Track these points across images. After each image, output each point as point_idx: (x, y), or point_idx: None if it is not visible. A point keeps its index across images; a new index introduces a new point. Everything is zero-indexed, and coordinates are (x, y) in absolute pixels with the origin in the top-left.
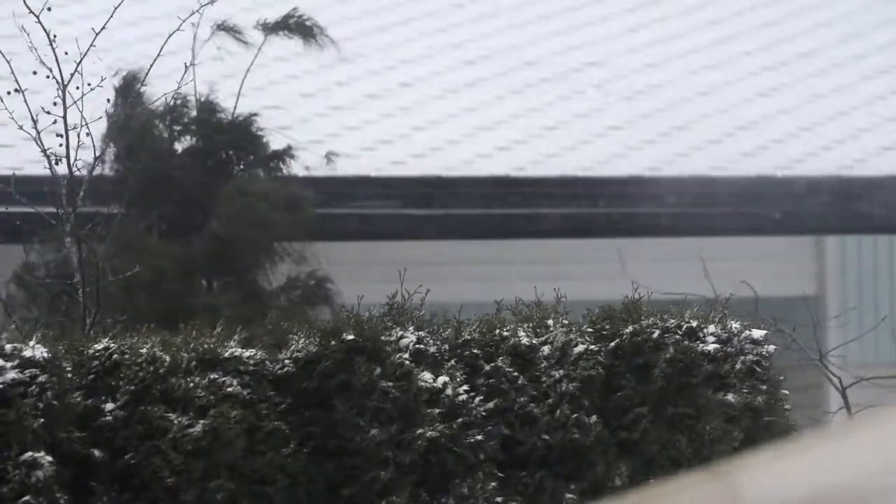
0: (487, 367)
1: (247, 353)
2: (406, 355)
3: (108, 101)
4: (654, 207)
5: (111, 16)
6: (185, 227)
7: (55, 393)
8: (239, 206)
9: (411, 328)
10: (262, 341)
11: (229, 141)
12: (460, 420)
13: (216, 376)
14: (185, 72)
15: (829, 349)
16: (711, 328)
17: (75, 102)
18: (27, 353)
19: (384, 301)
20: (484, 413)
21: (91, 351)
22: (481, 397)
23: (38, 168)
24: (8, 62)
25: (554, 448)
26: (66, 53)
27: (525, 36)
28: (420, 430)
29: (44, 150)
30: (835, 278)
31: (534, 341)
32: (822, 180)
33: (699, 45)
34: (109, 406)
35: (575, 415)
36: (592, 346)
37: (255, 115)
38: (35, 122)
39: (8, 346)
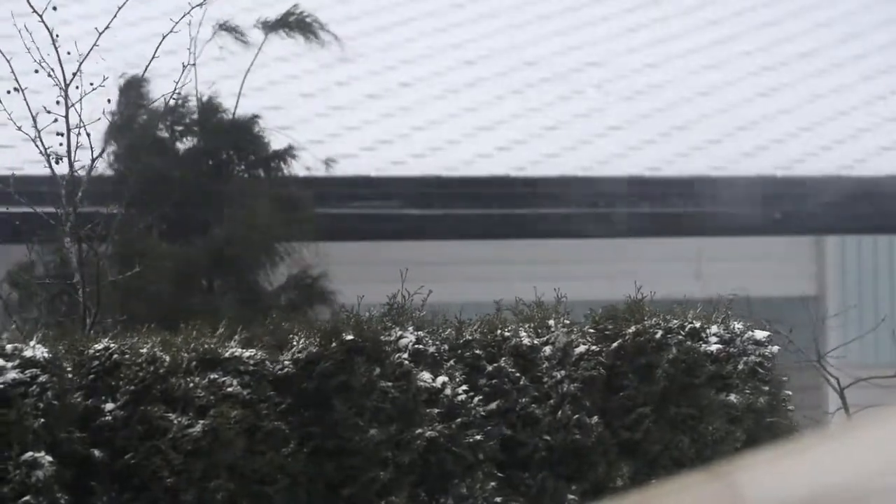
0: (490, 368)
1: (247, 354)
2: (405, 355)
3: (109, 101)
4: (653, 207)
5: (114, 16)
6: (185, 227)
7: (55, 393)
8: (239, 207)
9: (411, 328)
10: (262, 341)
11: (230, 141)
12: (459, 420)
13: (216, 376)
14: (184, 71)
15: (828, 350)
16: (714, 329)
17: (76, 102)
18: (28, 353)
19: (384, 301)
20: (483, 413)
21: (91, 351)
22: (480, 397)
23: (38, 168)
24: (8, 61)
25: (555, 449)
26: (69, 53)
27: (525, 36)
28: (419, 430)
29: (44, 150)
30: (835, 278)
31: (535, 342)
32: (822, 180)
33: (699, 45)
34: (109, 406)
35: (576, 415)
36: (594, 347)
37: (256, 116)
38: (35, 121)
39: (9, 346)
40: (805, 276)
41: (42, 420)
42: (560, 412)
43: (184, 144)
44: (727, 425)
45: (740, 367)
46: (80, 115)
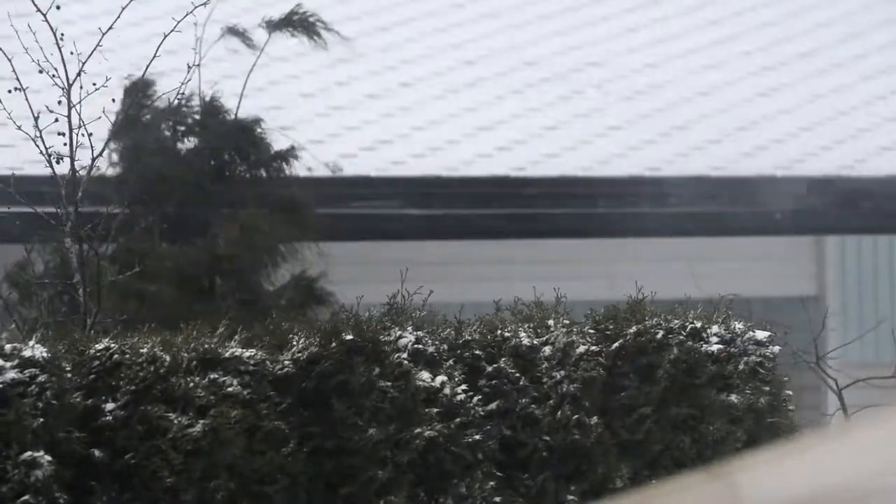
0: (490, 369)
1: (247, 354)
2: (404, 355)
3: (114, 100)
4: (654, 207)
5: (118, 16)
6: (186, 228)
7: (54, 393)
8: (240, 207)
9: (410, 328)
10: (262, 341)
11: (232, 142)
12: (458, 420)
13: (216, 376)
14: (189, 72)
15: (827, 351)
16: (715, 329)
17: (78, 103)
18: (27, 353)
19: (384, 301)
20: (482, 413)
21: (92, 351)
22: (479, 397)
23: (38, 168)
24: (9, 60)
25: (555, 449)
26: (72, 53)
27: (525, 36)
28: (418, 430)
29: (45, 150)
30: (835, 278)
31: (535, 342)
32: (822, 180)
33: (699, 45)
34: (110, 406)
35: (576, 416)
36: (594, 347)
37: (259, 118)
38: (36, 121)
39: (7, 346)
40: (805, 276)
41: (41, 420)
42: (560, 412)
43: (186, 145)
44: (728, 425)
45: (741, 367)
46: (80, 116)
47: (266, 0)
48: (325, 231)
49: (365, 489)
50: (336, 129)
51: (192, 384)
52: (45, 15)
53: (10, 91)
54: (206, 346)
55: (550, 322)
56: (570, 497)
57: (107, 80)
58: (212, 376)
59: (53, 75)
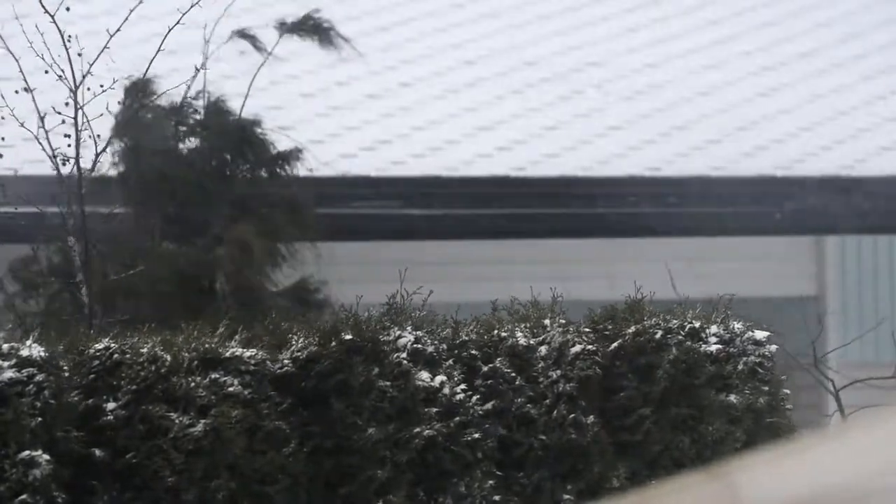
0: (485, 369)
1: (248, 353)
2: (404, 355)
3: (120, 103)
4: (654, 207)
5: (126, 18)
6: (187, 228)
7: (52, 392)
8: (242, 208)
9: (409, 328)
10: (262, 341)
11: (235, 142)
12: (458, 419)
13: (217, 376)
14: (198, 73)
15: (826, 351)
16: (714, 329)
17: (85, 104)
18: (24, 352)
19: (384, 301)
20: (482, 412)
21: (92, 350)
22: (478, 396)
23: (38, 168)
24: (17, 60)
25: (551, 448)
26: (79, 55)
27: (525, 36)
28: (417, 429)
29: (52, 152)
30: (835, 278)
31: (531, 342)
32: (822, 180)
33: (699, 45)
34: (111, 405)
35: (572, 415)
36: (590, 346)
37: (259, 119)
38: (42, 122)
39: (5, 346)
40: (805, 276)
41: (39, 419)
42: (555, 412)
43: (189, 145)
44: (727, 426)
45: (740, 367)
46: (86, 117)
47: (266, 0)
48: (325, 231)
49: (364, 488)
50: (336, 129)
51: (193, 384)
52: (52, 16)
53: (16, 92)
54: (207, 345)
55: (547, 322)
56: (566, 496)
57: (114, 81)
58: (213, 376)
59: (60, 76)
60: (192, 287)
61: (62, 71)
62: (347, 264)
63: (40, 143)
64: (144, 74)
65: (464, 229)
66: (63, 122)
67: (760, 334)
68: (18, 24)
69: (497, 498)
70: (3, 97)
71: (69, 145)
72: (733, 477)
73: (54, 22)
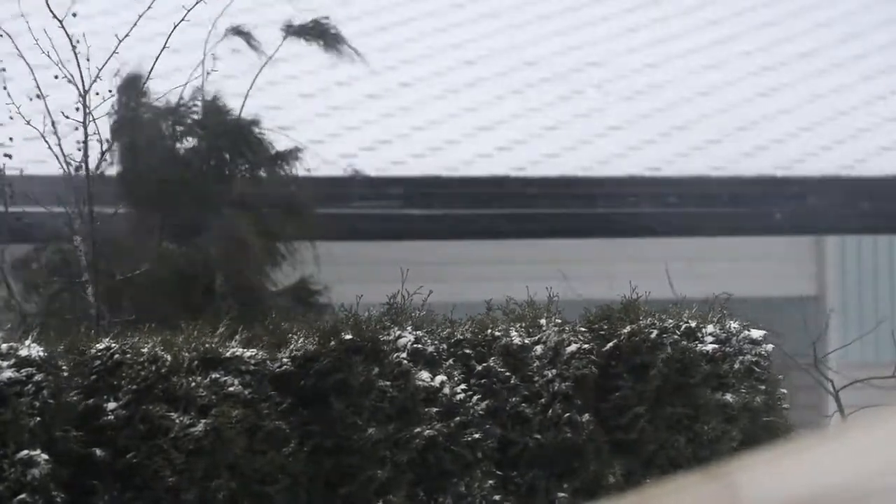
0: (479, 368)
1: (248, 353)
2: (404, 355)
3: (113, 107)
4: (654, 207)
5: (135, 24)
6: (186, 228)
7: (51, 392)
8: (241, 208)
9: (409, 328)
10: (262, 341)
11: (233, 142)
12: (458, 419)
13: (218, 376)
14: (202, 75)
15: (826, 352)
16: (710, 328)
17: (95, 108)
18: (23, 352)
19: (383, 301)
20: (482, 412)
21: (93, 350)
22: (479, 396)
23: (41, 168)
24: (31, 69)
25: (546, 447)
26: (88, 60)
27: (525, 36)
28: (417, 429)
29: (64, 157)
30: (835, 278)
31: (526, 341)
32: (822, 180)
33: (699, 45)
34: (111, 405)
35: (567, 414)
36: (585, 346)
37: (258, 118)
38: (55, 127)
39: (4, 346)
40: (805, 276)
41: (38, 419)
42: (551, 411)
43: (187, 144)
44: (723, 424)
45: (736, 366)
46: (93, 117)
47: (267, 0)
48: (325, 231)
49: (364, 488)
50: (336, 129)
51: (193, 384)
52: (61, 22)
53: (30, 99)
54: (207, 345)
55: (542, 321)
56: (562, 495)
57: (111, 93)
58: (213, 376)
59: (71, 79)
60: (192, 287)
61: (71, 75)
62: (347, 264)
63: (47, 143)
64: (149, 75)
65: (464, 229)
66: (77, 129)
67: (757, 333)
68: (25, 23)
69: (497, 498)
70: (9, 95)
71: (78, 149)
72: (733, 477)
73: (62, 27)
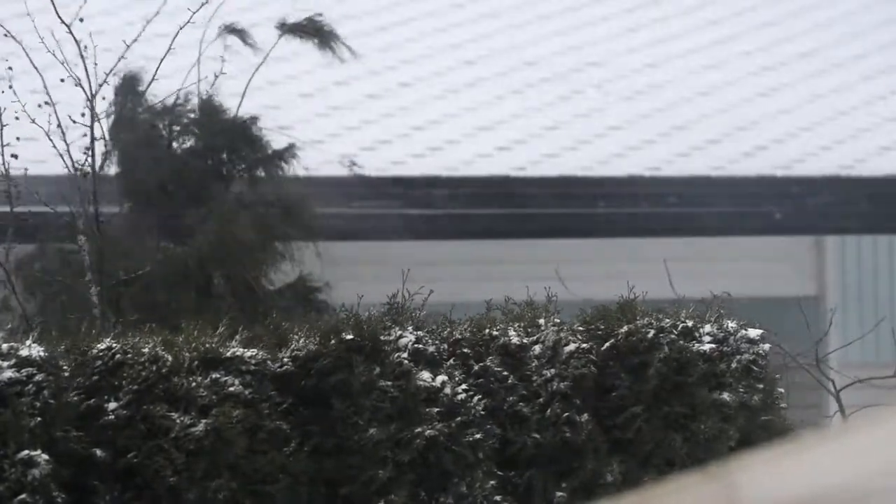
0: (477, 367)
1: (248, 353)
2: (405, 355)
3: (112, 106)
4: (654, 207)
5: (143, 29)
6: (185, 228)
7: (52, 392)
8: (239, 207)
9: (410, 328)
10: (262, 341)
11: (230, 141)
12: (459, 419)
13: (218, 376)
14: (200, 75)
15: (827, 352)
16: (707, 328)
17: (102, 115)
18: (24, 352)
19: (384, 301)
20: (483, 412)
21: (94, 351)
22: (479, 396)
23: (44, 168)
24: (41, 75)
25: (545, 447)
26: (96, 65)
27: (525, 36)
28: (418, 429)
29: (72, 163)
30: (835, 278)
31: (524, 340)
32: (822, 180)
33: (699, 45)
34: (112, 405)
35: (566, 413)
36: (584, 345)
37: (256, 117)
38: (63, 133)
39: (4, 346)
40: (805, 276)
41: (38, 419)
42: (549, 410)
43: (183, 144)
44: (720, 424)
45: (733, 365)
46: (98, 119)
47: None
48: (325, 231)
49: (365, 488)
50: (336, 129)
51: (194, 384)
52: (69, 27)
53: (39, 105)
54: (208, 345)
55: (541, 321)
56: (560, 494)
57: (113, 100)
58: (213, 376)
59: (78, 83)
60: (192, 287)
61: (78, 78)
62: (347, 264)
63: (53, 144)
64: (154, 76)
65: (464, 229)
66: (85, 135)
67: (754, 333)
68: (31, 22)
69: (498, 498)
70: (15, 94)
71: (84, 153)
72: (732, 477)
73: (70, 33)
